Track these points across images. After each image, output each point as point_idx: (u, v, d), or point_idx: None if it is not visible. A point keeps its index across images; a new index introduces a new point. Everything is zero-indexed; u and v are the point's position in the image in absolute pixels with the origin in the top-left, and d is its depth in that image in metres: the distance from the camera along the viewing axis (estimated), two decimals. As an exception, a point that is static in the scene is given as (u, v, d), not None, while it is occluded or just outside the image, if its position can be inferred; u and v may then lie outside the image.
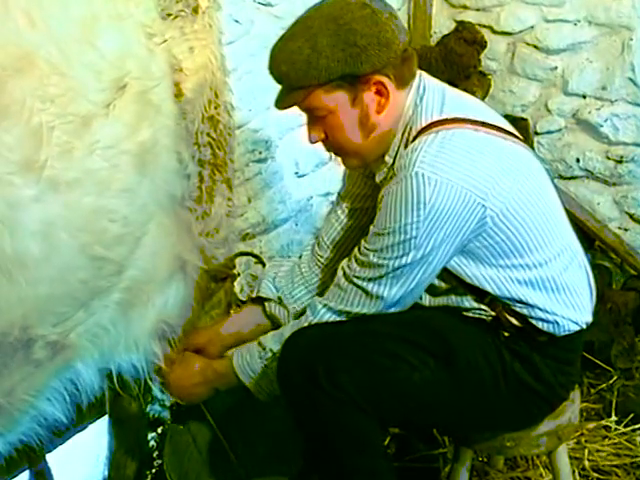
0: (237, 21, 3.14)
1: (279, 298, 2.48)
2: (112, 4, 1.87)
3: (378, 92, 2.13)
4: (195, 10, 2.12)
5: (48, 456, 2.47)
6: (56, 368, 1.91)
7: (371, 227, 2.16)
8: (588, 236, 4.02)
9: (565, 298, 2.23)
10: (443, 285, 2.24)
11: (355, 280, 2.17)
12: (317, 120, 2.18)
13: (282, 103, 2.17)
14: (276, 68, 2.12)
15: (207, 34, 2.18)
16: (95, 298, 1.91)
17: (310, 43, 2.05)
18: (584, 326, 2.29)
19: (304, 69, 2.07)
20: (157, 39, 1.99)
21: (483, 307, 2.24)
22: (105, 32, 1.84)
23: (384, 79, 2.11)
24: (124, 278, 1.96)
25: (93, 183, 1.81)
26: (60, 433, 2.13)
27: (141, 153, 1.91)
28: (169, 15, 2.04)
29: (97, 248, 1.84)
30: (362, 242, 2.19)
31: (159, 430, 3.01)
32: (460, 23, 4.12)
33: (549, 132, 4.08)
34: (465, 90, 3.93)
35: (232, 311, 2.60)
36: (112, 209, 1.86)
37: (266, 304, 2.51)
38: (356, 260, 2.18)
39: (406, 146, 2.16)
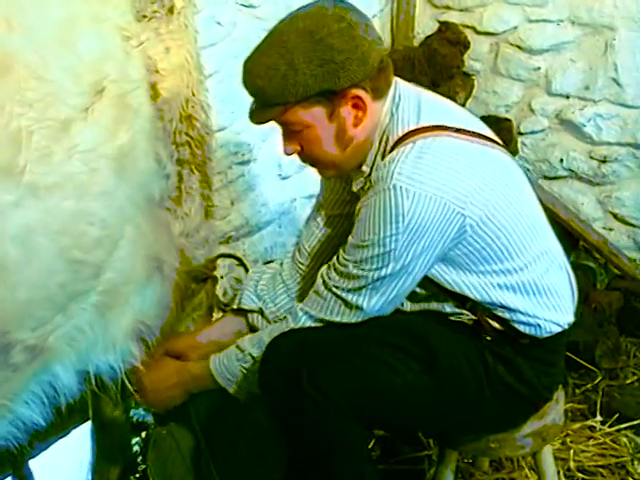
0: (219, 23, 3.13)
1: (260, 309, 2.48)
2: (89, 7, 1.85)
3: (355, 106, 2.11)
4: (170, 10, 2.11)
5: (31, 462, 2.46)
6: (34, 372, 1.89)
7: (349, 238, 2.16)
8: (572, 236, 4.03)
9: (547, 300, 2.23)
10: (424, 292, 2.24)
11: (334, 290, 2.17)
12: (293, 134, 2.17)
13: (258, 118, 2.16)
14: (251, 83, 2.10)
15: (183, 34, 2.16)
16: (73, 301, 1.89)
17: (286, 59, 2.03)
18: (566, 327, 2.29)
19: (281, 86, 2.05)
20: (133, 41, 1.97)
21: (464, 312, 2.24)
22: (83, 35, 1.82)
23: (361, 92, 2.09)
24: (102, 281, 1.95)
25: (72, 187, 1.79)
26: (40, 437, 2.12)
27: (119, 157, 1.89)
28: (144, 17, 2.02)
29: (76, 252, 1.82)
30: (341, 252, 2.18)
31: (143, 435, 3.00)
32: (443, 24, 4.13)
33: (533, 132, 4.10)
34: (448, 90, 3.99)
35: (214, 314, 2.59)
36: (91, 212, 1.84)
37: (249, 315, 2.50)
38: (335, 270, 2.18)
39: (383, 156, 2.16)
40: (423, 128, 2.12)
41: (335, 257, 2.20)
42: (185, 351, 2.45)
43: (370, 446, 3.03)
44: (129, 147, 1.93)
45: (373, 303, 2.15)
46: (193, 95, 2.23)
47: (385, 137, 2.17)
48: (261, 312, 2.48)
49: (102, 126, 1.84)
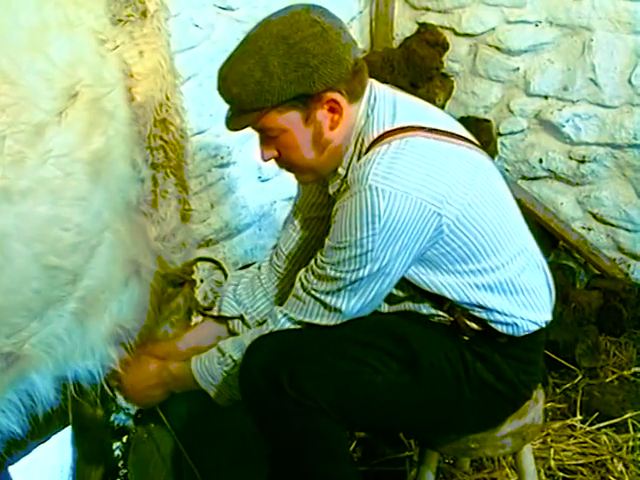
0: (197, 26, 3.12)
1: (241, 315, 2.48)
2: (62, 11, 1.84)
3: (331, 109, 2.11)
4: (144, 14, 2.10)
5: (11, 468, 2.44)
6: (10, 380, 1.88)
7: (326, 240, 2.16)
8: (552, 236, 4.05)
9: (524, 299, 2.24)
10: (401, 294, 2.24)
11: (313, 292, 2.17)
12: (270, 139, 2.17)
13: (234, 125, 2.16)
14: (226, 90, 2.10)
15: (156, 38, 2.15)
16: (49, 308, 1.88)
17: (261, 65, 2.03)
18: (544, 325, 2.29)
19: (256, 92, 2.05)
20: (109, 45, 1.97)
21: (441, 313, 2.24)
22: (56, 39, 1.81)
23: (336, 96, 2.09)
24: (79, 287, 1.94)
25: (46, 192, 1.78)
26: (19, 445, 2.11)
27: (94, 161, 1.89)
28: (120, 21, 2.02)
29: (51, 257, 1.81)
30: (318, 254, 2.18)
31: (124, 439, 2.99)
32: (422, 25, 4.14)
33: (512, 133, 4.11)
34: (427, 92, 4.00)
35: (193, 317, 2.58)
36: (66, 218, 1.83)
37: (229, 321, 2.50)
38: (313, 272, 2.18)
39: (359, 158, 2.16)
40: (399, 129, 2.12)
41: (313, 260, 2.20)
42: (165, 357, 2.44)
43: (351, 448, 3.03)
44: (104, 151, 1.92)
45: (352, 305, 2.15)
46: (167, 99, 2.22)
47: (361, 139, 2.17)
48: (242, 318, 2.48)
49: (76, 130, 1.84)
